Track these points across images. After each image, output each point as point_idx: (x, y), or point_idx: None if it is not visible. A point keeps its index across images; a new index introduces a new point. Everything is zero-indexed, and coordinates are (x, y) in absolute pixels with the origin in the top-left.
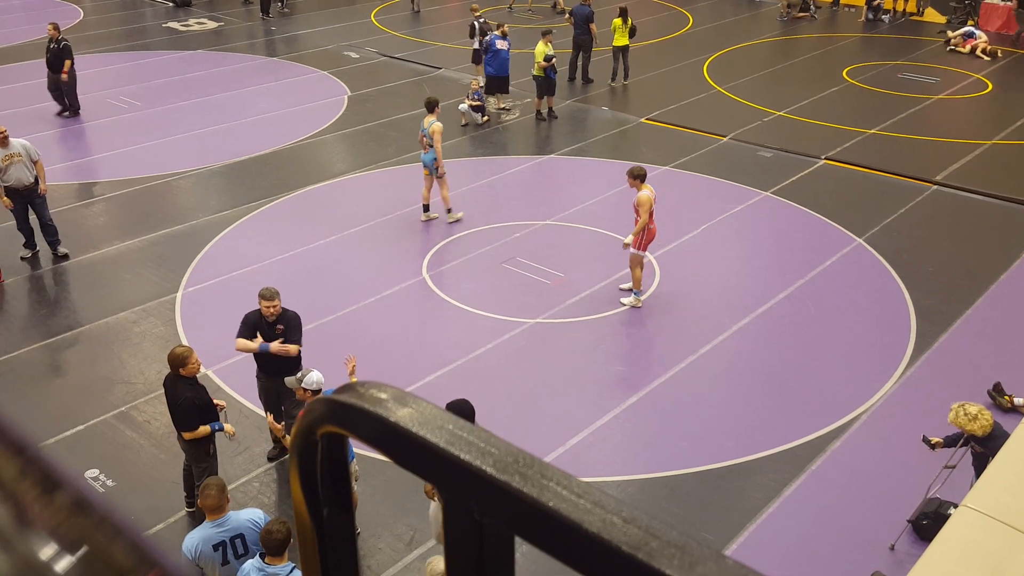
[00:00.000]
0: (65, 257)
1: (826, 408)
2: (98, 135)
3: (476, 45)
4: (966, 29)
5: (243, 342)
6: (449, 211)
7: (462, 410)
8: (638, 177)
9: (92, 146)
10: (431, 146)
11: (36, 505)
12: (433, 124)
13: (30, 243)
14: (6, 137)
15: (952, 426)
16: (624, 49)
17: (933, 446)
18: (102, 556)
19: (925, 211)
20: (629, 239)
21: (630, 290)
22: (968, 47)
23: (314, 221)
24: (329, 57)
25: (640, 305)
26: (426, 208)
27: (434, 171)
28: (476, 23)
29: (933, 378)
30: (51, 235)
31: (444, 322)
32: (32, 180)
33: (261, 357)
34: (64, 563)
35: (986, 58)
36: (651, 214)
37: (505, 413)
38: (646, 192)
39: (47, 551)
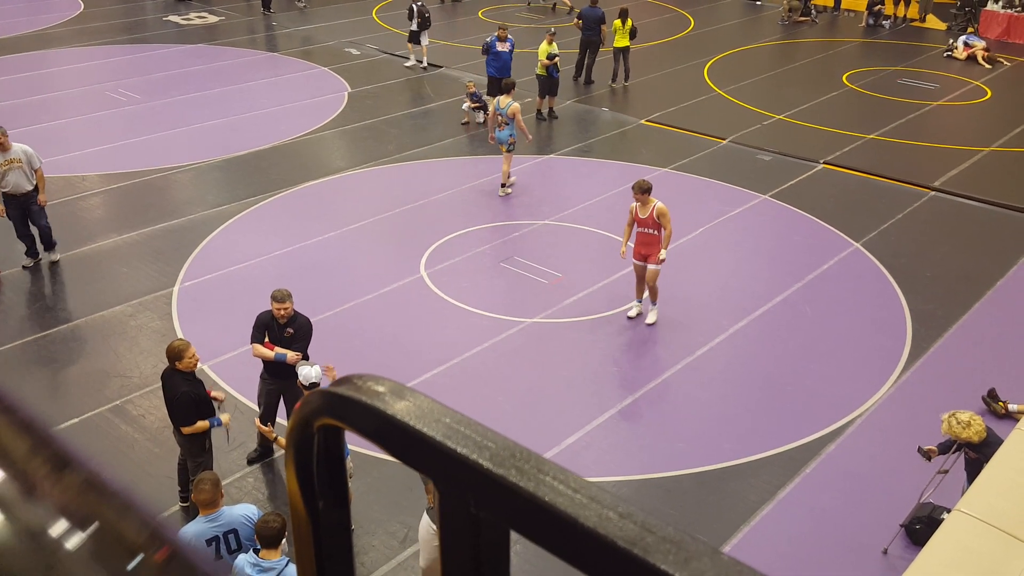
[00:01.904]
0: (55, 264)
1: (821, 411)
2: (97, 128)
3: (413, 27)
4: (966, 38)
5: (259, 348)
6: (503, 185)
7: None
8: (647, 191)
9: (90, 139)
10: (507, 124)
11: (47, 482)
12: (511, 104)
13: (32, 251)
14: (5, 141)
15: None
16: (624, 50)
17: (928, 456)
18: (113, 532)
19: (923, 216)
20: (664, 255)
21: (635, 310)
22: (966, 54)
23: (312, 217)
24: (330, 53)
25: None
26: (504, 185)
27: (509, 147)
28: (414, 6)
29: (929, 383)
30: (47, 242)
31: (441, 320)
32: (31, 187)
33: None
34: (75, 539)
35: (987, 65)
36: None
37: (502, 412)
38: (663, 204)
39: (58, 528)
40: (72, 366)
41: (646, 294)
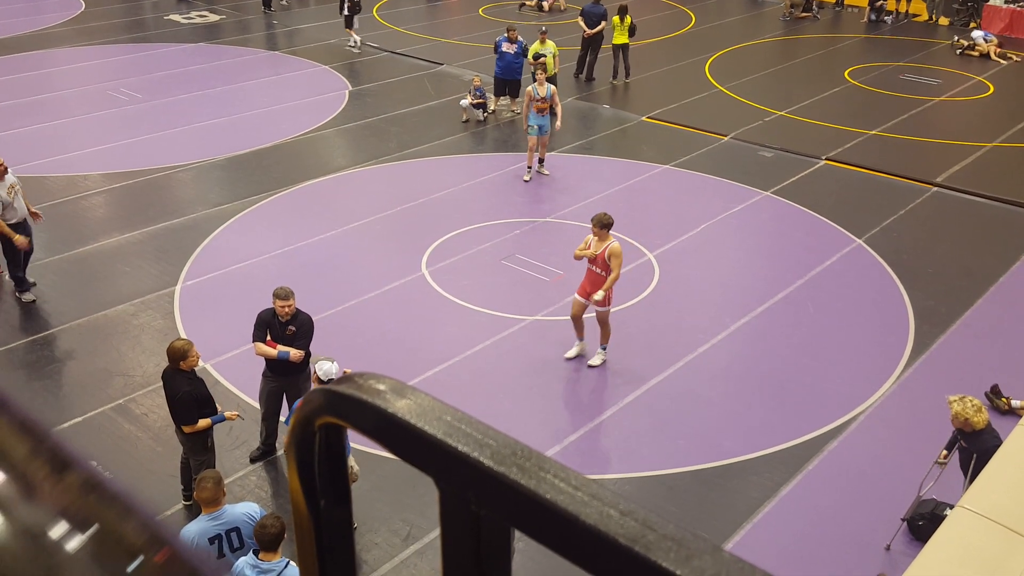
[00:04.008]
0: (32, 302)
1: (824, 408)
2: (98, 127)
3: (345, 11)
4: (981, 34)
5: (261, 347)
6: (534, 165)
7: None
8: (607, 226)
9: (92, 138)
10: (552, 111)
11: (46, 484)
12: (527, 90)
13: (24, 286)
14: (5, 170)
15: (948, 426)
16: (624, 47)
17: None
18: (113, 534)
19: (925, 213)
20: (600, 295)
21: (578, 353)
22: (979, 51)
23: (314, 216)
24: (330, 52)
25: (606, 359)
26: (541, 162)
27: (545, 131)
28: None
29: (931, 379)
30: (25, 269)
31: (443, 318)
32: (27, 213)
33: (272, 359)
34: (75, 541)
35: (1003, 61)
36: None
37: (503, 409)
38: (618, 244)
39: (58, 530)
40: (75, 365)
41: (597, 332)
